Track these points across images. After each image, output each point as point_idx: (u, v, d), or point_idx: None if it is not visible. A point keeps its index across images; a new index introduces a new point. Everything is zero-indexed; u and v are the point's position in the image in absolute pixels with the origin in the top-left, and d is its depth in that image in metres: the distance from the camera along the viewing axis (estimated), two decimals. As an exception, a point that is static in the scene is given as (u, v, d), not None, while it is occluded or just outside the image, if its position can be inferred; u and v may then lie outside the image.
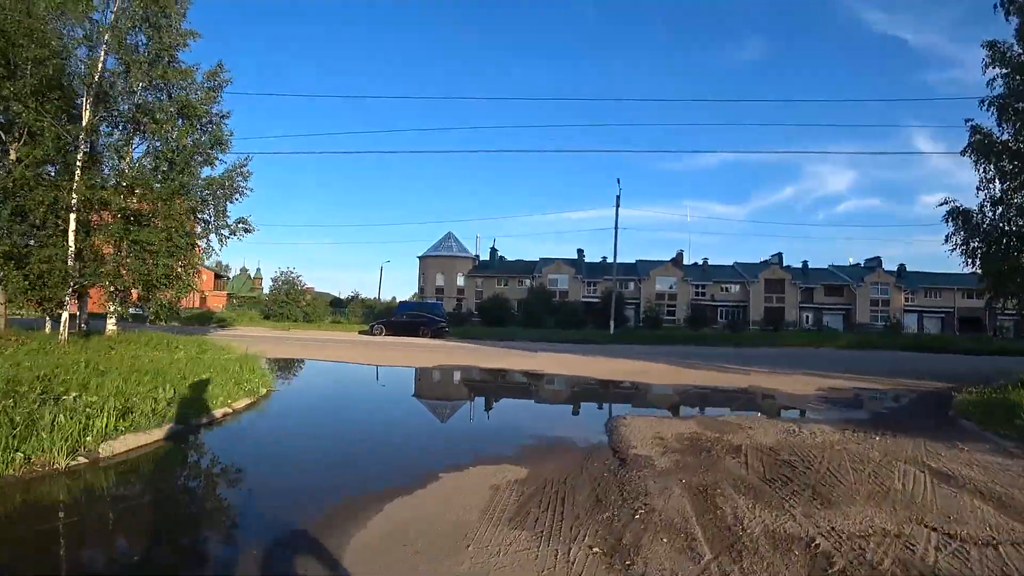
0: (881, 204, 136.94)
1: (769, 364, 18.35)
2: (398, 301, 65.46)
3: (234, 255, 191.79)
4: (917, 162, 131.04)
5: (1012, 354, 31.99)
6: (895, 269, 72.18)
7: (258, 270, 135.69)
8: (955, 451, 6.30)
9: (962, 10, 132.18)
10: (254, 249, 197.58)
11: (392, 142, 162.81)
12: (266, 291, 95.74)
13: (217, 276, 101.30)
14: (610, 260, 79.29)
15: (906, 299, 69.02)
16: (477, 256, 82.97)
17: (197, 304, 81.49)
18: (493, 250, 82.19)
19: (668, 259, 73.76)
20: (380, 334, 32.66)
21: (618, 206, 37.80)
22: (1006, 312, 65.97)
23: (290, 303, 46.79)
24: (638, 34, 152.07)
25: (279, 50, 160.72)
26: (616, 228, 37.83)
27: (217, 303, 76.56)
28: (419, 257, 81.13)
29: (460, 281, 76.99)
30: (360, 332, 34.26)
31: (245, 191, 14.94)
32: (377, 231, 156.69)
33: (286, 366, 15.21)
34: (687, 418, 8.08)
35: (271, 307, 47.41)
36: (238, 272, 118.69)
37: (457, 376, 14.62)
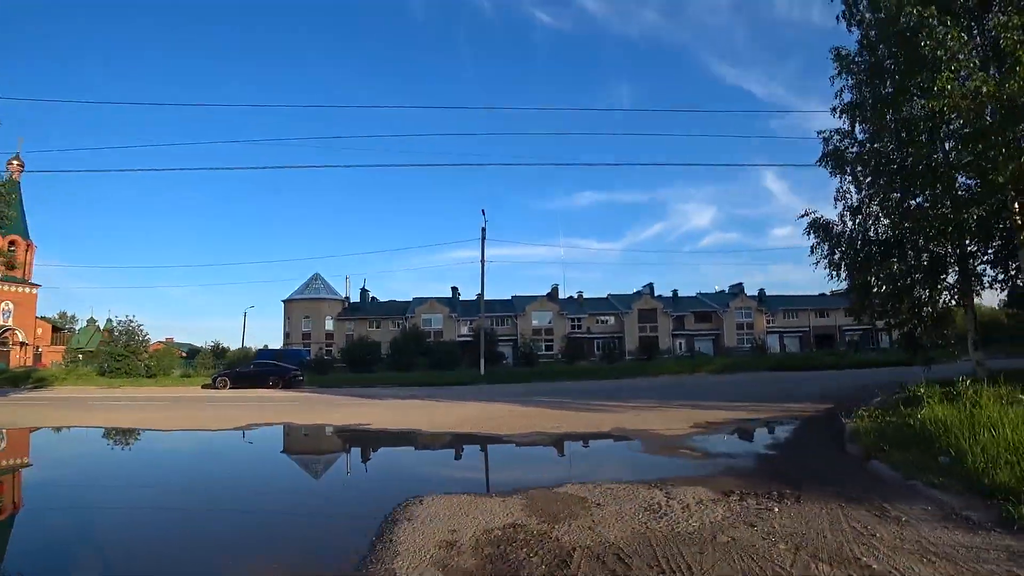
0: (740, 237, 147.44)
1: (643, 396, 16.48)
2: (255, 350, 59.94)
3: (80, 305, 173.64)
4: (768, 199, 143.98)
5: (868, 366, 32.79)
6: (756, 294, 75.20)
7: (108, 320, 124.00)
8: (891, 525, 4.17)
9: (800, 65, 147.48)
10: (105, 298, 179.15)
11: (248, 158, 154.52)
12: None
13: (56, 329, 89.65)
14: (503, 297, 78.71)
15: (768, 321, 71.89)
16: (347, 298, 78.40)
17: (30, 361, 71.07)
18: (364, 291, 78.12)
19: (543, 294, 72.86)
20: (224, 387, 29.24)
21: (484, 238, 35.81)
22: (853, 328, 72.39)
23: (128, 356, 40.45)
24: (517, 72, 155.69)
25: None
26: (483, 262, 35.72)
27: (54, 358, 67.48)
28: (284, 301, 75.43)
29: (329, 325, 72.10)
30: (203, 387, 30.25)
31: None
32: (242, 272, 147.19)
33: (21, 442, 11.37)
34: (511, 494, 5.49)
35: (107, 362, 40.66)
36: (84, 324, 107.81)
37: (230, 440, 11.17)
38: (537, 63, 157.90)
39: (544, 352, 60.79)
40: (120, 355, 39.79)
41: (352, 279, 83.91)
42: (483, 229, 35.70)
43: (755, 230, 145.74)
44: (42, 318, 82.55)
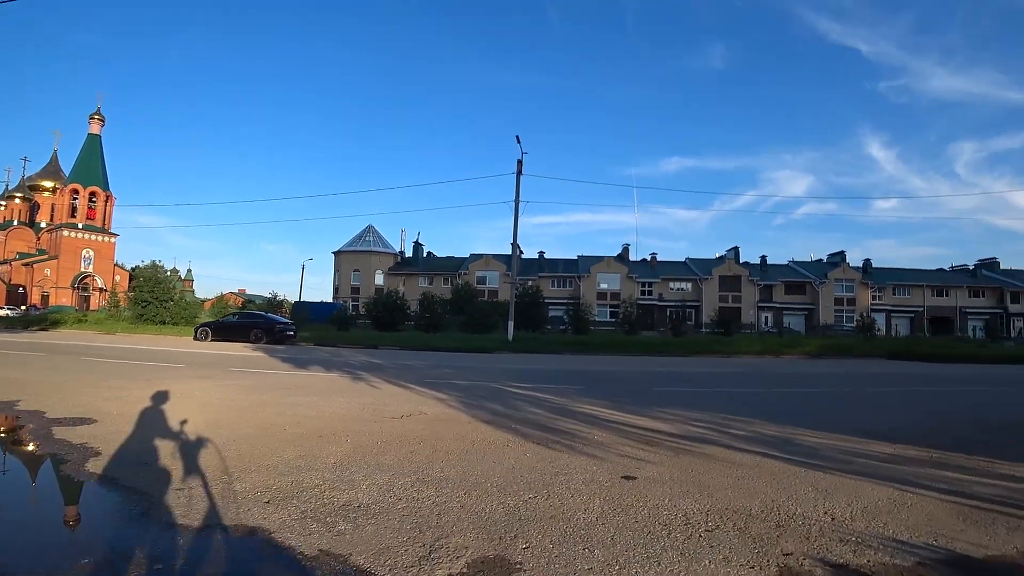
0: (838, 208, 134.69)
1: (692, 403, 9.46)
2: (291, 301, 55.76)
3: (166, 255, 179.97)
4: (871, 167, 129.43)
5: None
6: (860, 265, 65.13)
7: (188, 271, 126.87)
8: None
9: (911, 20, 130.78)
10: (195, 249, 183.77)
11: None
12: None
13: (132, 277, 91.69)
14: (549, 255, 71.98)
15: (873, 297, 61.87)
16: (401, 252, 73.66)
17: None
18: (417, 244, 73.07)
19: (613, 255, 65.38)
20: (205, 339, 25.75)
21: (519, 172, 28.84)
22: (978, 310, 61.16)
23: (152, 303, 36.94)
24: (611, 39, 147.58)
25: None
26: (517, 201, 28.82)
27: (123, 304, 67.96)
28: (334, 253, 71.30)
29: (379, 279, 67.43)
30: (195, 339, 26.14)
31: None
32: (321, 227, 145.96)
33: None
34: None
35: (134, 308, 37.56)
36: (168, 274, 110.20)
37: None
38: (626, 27, 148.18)
39: (607, 320, 53.89)
40: (146, 302, 36.37)
41: (410, 233, 79.41)
42: (519, 162, 28.79)
43: (856, 202, 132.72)
44: (119, 266, 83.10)
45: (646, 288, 61.90)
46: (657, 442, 6.11)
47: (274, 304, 50.35)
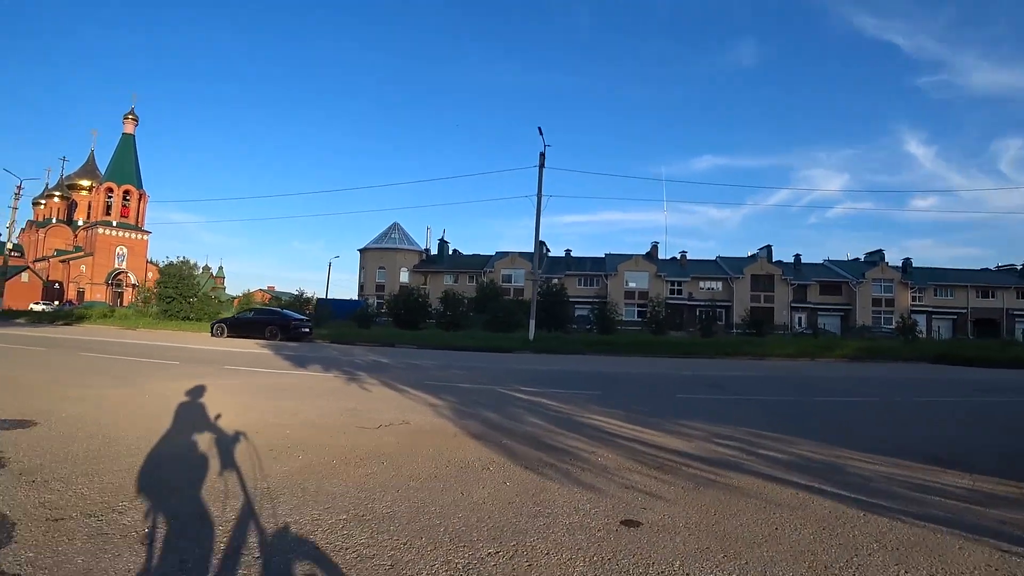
0: (874, 207, 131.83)
1: (708, 414, 8.31)
2: (316, 298, 55.24)
3: (199, 253, 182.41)
4: (910, 165, 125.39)
5: None
6: (900, 264, 62.60)
7: (220, 268, 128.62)
8: None
9: (953, 13, 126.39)
10: (227, 247, 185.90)
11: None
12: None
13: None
14: (577, 253, 70.66)
15: (913, 298, 59.35)
16: (427, 250, 73.05)
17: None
18: (442, 242, 72.42)
19: (641, 253, 63.82)
20: (221, 335, 25.32)
21: (542, 165, 27.65)
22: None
23: (176, 299, 37.01)
24: (637, 41, 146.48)
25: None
26: (539, 196, 27.65)
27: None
28: (359, 250, 70.91)
29: (404, 276, 66.79)
30: (212, 335, 25.63)
31: None
32: (348, 222, 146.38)
33: None
34: None
35: (159, 304, 37.63)
36: (200, 271, 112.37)
37: None
38: (657, 24, 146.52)
39: (635, 319, 52.51)
40: (170, 297, 36.41)
41: (435, 231, 78.85)
42: (541, 154, 27.62)
43: (893, 200, 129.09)
44: (152, 262, 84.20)
45: (675, 287, 60.23)
46: (673, 467, 4.99)
47: (300, 301, 49.89)
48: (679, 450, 5.68)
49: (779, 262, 62.63)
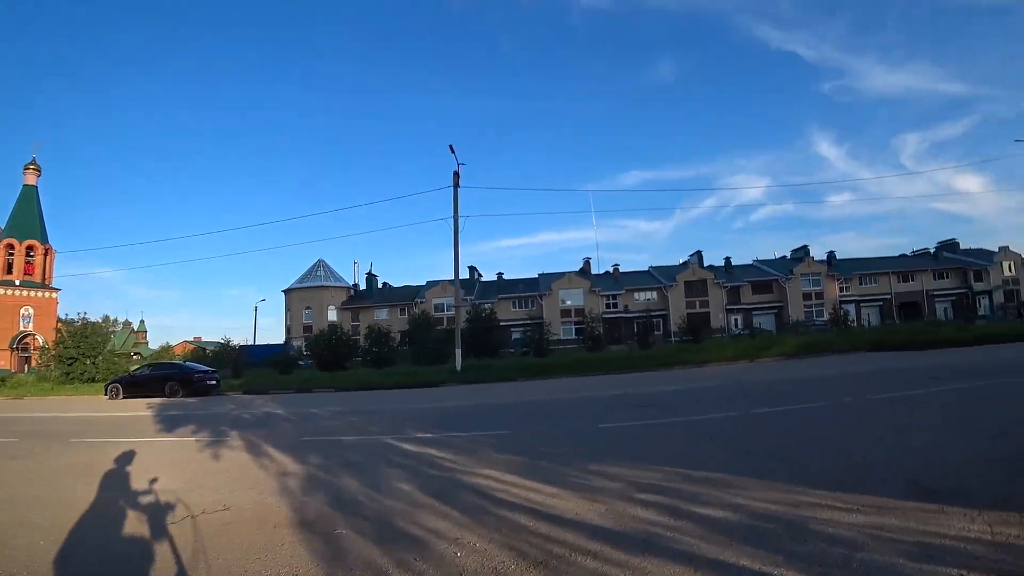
0: (795, 208, 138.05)
1: (632, 450, 6.77)
2: (238, 346, 51.92)
3: (120, 308, 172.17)
4: (822, 166, 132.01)
5: (1004, 339, 22.60)
6: (824, 258, 63.83)
7: (141, 322, 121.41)
8: None
9: (848, 23, 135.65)
10: (148, 301, 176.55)
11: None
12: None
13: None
14: (510, 276, 69.33)
15: (841, 289, 60.36)
16: (355, 285, 70.34)
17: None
18: (370, 276, 69.83)
19: (574, 270, 62.92)
20: (116, 396, 22.48)
21: (456, 185, 25.99)
22: (944, 292, 60.10)
23: (78, 359, 33.38)
24: (558, 61, 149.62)
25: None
26: (456, 217, 25.90)
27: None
28: (284, 291, 67.66)
29: (332, 315, 63.89)
30: (106, 397, 22.81)
31: None
32: (276, 265, 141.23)
33: None
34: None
35: (59, 367, 33.94)
36: (120, 327, 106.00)
37: None
38: (576, 45, 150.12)
39: (572, 337, 51.37)
40: (72, 359, 32.84)
41: (363, 265, 76.46)
42: (455, 174, 25.97)
43: (812, 199, 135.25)
44: (63, 321, 78.24)
45: (611, 301, 59.40)
46: (563, 561, 3.31)
47: (225, 350, 46.59)
48: (582, 520, 4.02)
49: (711, 266, 62.78)
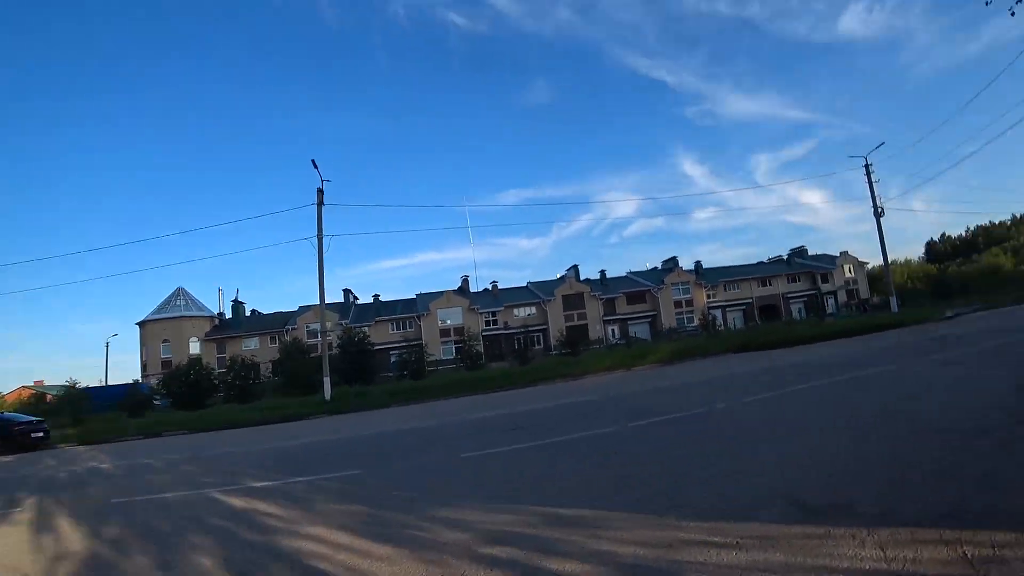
0: (665, 222, 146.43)
1: (492, 485, 5.95)
2: (80, 388, 46.61)
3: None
4: (688, 183, 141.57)
5: (850, 333, 24.27)
6: (692, 267, 67.14)
7: None
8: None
9: (705, 54, 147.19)
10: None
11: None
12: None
13: None
14: (386, 298, 67.23)
15: (708, 295, 63.63)
16: (220, 314, 65.63)
17: None
18: (236, 303, 65.36)
19: (452, 289, 62.01)
20: None
21: (320, 203, 24.41)
22: (797, 294, 65.06)
23: None
24: (436, 83, 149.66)
25: None
26: (320, 236, 24.33)
27: None
28: (139, 324, 61.92)
29: (195, 347, 59.14)
30: None
31: None
32: (124, 301, 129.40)
33: None
34: None
35: None
36: None
37: None
38: (454, 67, 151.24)
39: (453, 357, 50.32)
40: None
41: (228, 292, 71.77)
42: (319, 191, 24.46)
43: (679, 214, 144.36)
44: None
45: (490, 318, 58.95)
46: None
47: (70, 394, 41.36)
48: None
49: (587, 280, 64.05)
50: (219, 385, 33.58)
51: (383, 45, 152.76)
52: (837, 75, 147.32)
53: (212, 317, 63.65)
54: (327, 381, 22.98)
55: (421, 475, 6.60)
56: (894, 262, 70.27)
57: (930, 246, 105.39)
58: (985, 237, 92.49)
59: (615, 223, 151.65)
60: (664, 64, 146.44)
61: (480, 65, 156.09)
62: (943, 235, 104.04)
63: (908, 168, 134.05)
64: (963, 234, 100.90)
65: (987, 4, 7.73)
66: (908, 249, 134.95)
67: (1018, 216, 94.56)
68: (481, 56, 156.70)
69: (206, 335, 60.53)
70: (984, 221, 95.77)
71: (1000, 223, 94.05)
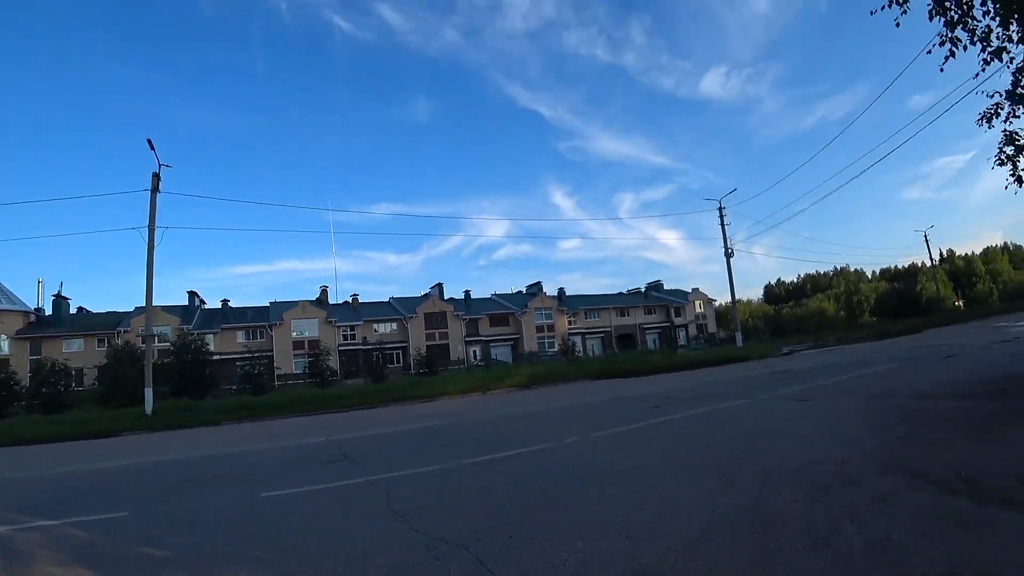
0: (532, 249, 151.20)
1: (282, 544, 4.82)
2: None
3: None
4: (556, 213, 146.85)
5: (704, 364, 25.38)
6: (556, 293, 68.27)
7: None
8: None
9: (582, 94, 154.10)
10: None
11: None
12: None
13: None
14: (239, 304, 62.53)
15: (569, 322, 64.91)
16: (39, 309, 58.03)
17: None
18: (60, 298, 57.86)
19: (310, 299, 58.76)
20: None
21: (155, 189, 21.75)
22: (652, 325, 68.29)
23: None
24: (315, 86, 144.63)
25: None
26: (152, 228, 21.66)
27: None
28: (-68, 319, 53.26)
29: (4, 347, 51.82)
30: None
31: None
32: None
33: None
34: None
35: None
36: None
37: None
38: (335, 72, 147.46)
39: (305, 372, 47.33)
40: None
41: (51, 285, 63.98)
42: (155, 175, 21.79)
43: (546, 242, 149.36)
44: None
45: (349, 333, 56.36)
46: None
47: None
48: None
49: (451, 299, 63.30)
50: (22, 392, 29.14)
51: (262, 39, 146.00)
52: (697, 128, 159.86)
53: (28, 313, 56.10)
54: (149, 392, 20.30)
55: (198, 522, 5.27)
56: (738, 301, 76.08)
57: (767, 289, 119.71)
58: (812, 284, 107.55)
59: (484, 245, 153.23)
60: (542, 98, 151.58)
61: (362, 73, 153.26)
62: (779, 280, 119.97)
63: (752, 216, 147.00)
64: (795, 280, 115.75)
65: (872, 14, 8.48)
66: (749, 291, 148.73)
67: (839, 268, 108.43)
68: (364, 64, 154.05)
69: (18, 332, 53.20)
70: (812, 270, 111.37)
71: (824, 273, 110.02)
